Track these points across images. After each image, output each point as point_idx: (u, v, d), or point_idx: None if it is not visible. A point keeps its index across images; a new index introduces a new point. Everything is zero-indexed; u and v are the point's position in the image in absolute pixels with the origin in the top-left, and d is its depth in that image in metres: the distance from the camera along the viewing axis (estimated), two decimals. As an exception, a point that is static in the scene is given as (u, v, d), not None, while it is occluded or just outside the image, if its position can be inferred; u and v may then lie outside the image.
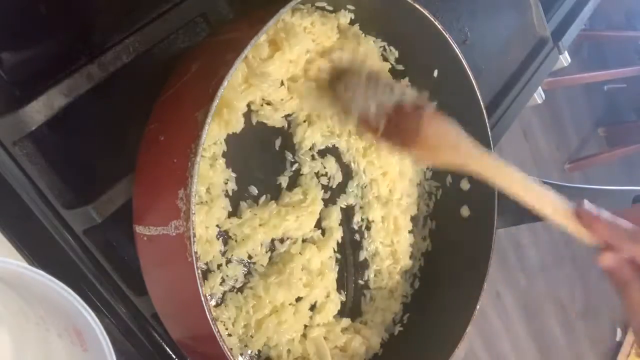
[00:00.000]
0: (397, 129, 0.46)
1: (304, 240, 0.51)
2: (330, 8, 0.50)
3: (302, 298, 0.49)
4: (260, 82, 0.44)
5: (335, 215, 0.53)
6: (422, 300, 0.57)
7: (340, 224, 0.53)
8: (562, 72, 1.06)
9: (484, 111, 0.53)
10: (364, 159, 0.54)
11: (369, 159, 0.54)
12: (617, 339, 2.25)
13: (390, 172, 0.56)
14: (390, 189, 0.56)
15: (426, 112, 0.46)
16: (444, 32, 0.49)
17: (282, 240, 0.49)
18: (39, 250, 0.41)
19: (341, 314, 0.53)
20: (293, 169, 0.51)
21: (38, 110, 0.39)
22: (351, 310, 0.55)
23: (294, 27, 0.46)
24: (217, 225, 0.45)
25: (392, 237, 0.57)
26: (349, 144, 0.54)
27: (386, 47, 0.54)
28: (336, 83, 0.47)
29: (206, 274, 0.44)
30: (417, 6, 0.47)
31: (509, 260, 1.82)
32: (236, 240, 0.46)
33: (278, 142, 0.50)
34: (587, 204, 0.43)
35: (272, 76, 0.45)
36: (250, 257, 0.47)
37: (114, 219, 0.42)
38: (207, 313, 0.35)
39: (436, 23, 0.49)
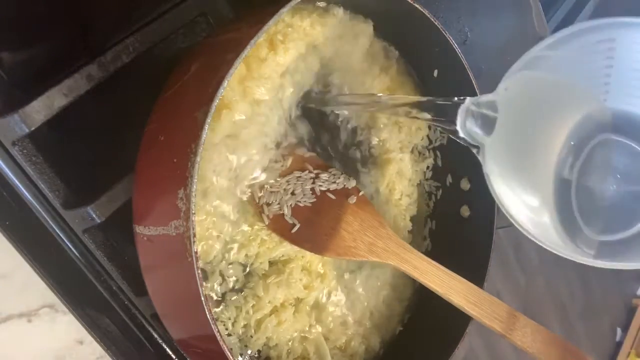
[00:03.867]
0: (312, 228, 0.46)
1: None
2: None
3: (302, 298, 0.49)
4: (256, 86, 0.44)
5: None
6: (423, 300, 0.57)
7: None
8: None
9: (484, 111, 0.53)
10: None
11: (368, 159, 0.54)
12: (617, 339, 2.25)
13: (390, 172, 0.56)
14: (390, 189, 0.56)
15: (350, 203, 0.48)
16: (444, 32, 0.49)
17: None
18: (39, 250, 0.42)
19: (341, 314, 0.53)
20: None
21: (38, 110, 0.39)
22: (351, 310, 0.55)
23: (293, 29, 0.46)
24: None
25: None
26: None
27: (387, 47, 0.54)
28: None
29: (206, 274, 0.44)
30: (417, 6, 0.47)
31: (509, 260, 1.82)
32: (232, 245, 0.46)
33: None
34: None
35: (267, 79, 0.45)
36: (248, 258, 0.47)
37: (114, 219, 0.42)
38: (207, 313, 0.35)
39: (436, 23, 0.49)
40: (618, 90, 0.35)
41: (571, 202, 0.35)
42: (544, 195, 0.35)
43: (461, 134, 0.37)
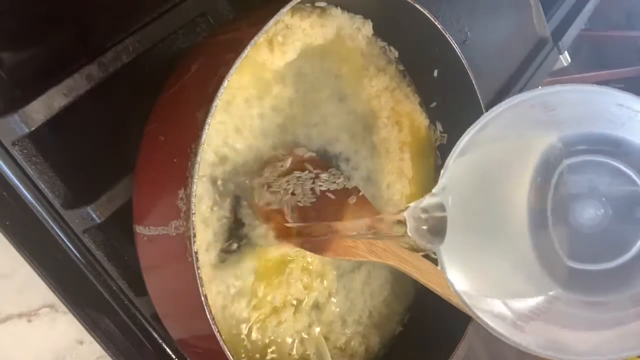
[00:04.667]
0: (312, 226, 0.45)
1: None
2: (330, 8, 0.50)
3: (302, 298, 0.49)
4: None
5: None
6: (422, 300, 0.57)
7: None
8: (562, 72, 1.06)
9: (484, 111, 0.53)
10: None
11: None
12: (617, 339, 2.24)
13: (390, 172, 0.56)
14: (390, 189, 0.56)
15: (350, 203, 0.47)
16: (444, 32, 0.49)
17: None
18: (39, 250, 0.42)
19: (341, 314, 0.53)
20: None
21: (38, 110, 0.39)
22: (351, 310, 0.55)
23: (292, 30, 0.46)
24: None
25: (392, 237, 0.57)
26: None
27: (386, 47, 0.55)
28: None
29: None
30: (417, 6, 0.47)
31: (509, 260, 1.82)
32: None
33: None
34: None
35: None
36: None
37: (114, 219, 0.42)
38: (207, 313, 0.35)
39: (436, 23, 0.49)
40: (571, 123, 0.34)
41: (553, 245, 0.33)
42: (521, 256, 0.34)
43: (417, 243, 0.35)
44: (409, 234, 0.35)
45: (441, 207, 0.33)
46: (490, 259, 0.35)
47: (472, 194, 0.35)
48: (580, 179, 0.34)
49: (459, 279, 0.33)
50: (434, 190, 0.34)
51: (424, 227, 0.34)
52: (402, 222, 0.35)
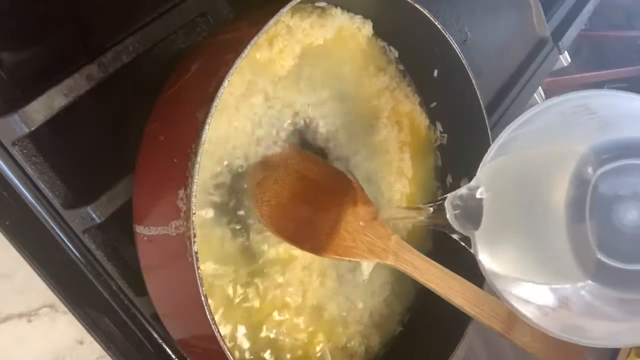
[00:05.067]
0: (312, 228, 0.46)
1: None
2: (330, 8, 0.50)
3: (303, 298, 0.49)
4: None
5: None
6: (423, 300, 0.57)
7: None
8: (562, 72, 1.06)
9: (484, 111, 0.53)
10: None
11: (368, 159, 0.54)
12: (617, 339, 2.24)
13: (390, 172, 0.56)
14: (390, 189, 0.56)
15: (350, 202, 0.47)
16: (444, 32, 0.49)
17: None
18: (39, 250, 0.41)
19: (341, 314, 0.53)
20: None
21: (38, 110, 0.39)
22: (351, 310, 0.55)
23: (292, 30, 0.46)
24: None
25: (392, 237, 0.57)
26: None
27: (386, 47, 0.55)
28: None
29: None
30: (417, 6, 0.47)
31: (509, 260, 1.81)
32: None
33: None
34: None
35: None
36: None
37: (114, 219, 0.42)
38: (207, 313, 0.35)
39: (436, 23, 0.49)
40: (613, 123, 0.35)
41: (590, 244, 0.34)
42: (556, 252, 0.35)
43: (455, 227, 0.37)
44: (447, 218, 0.37)
45: (477, 197, 0.36)
46: (524, 250, 0.36)
47: (508, 188, 0.37)
48: (622, 181, 0.35)
49: (490, 263, 0.35)
50: (472, 182, 0.36)
51: (460, 214, 0.37)
52: (436, 208, 0.38)
